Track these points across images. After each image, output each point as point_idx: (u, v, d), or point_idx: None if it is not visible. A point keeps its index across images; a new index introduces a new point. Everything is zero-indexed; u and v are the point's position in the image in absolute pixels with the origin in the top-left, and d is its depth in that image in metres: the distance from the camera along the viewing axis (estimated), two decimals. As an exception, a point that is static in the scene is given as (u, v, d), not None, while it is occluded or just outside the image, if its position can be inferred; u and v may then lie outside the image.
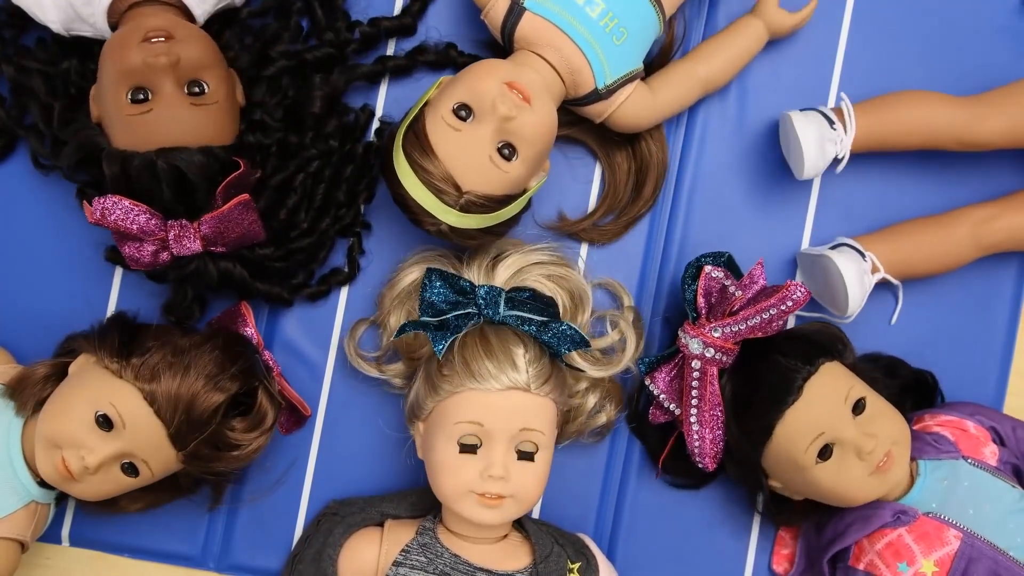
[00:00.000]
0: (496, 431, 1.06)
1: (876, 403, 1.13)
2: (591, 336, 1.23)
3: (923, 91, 1.20)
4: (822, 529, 1.20)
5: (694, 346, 1.13)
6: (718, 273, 1.14)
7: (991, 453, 1.17)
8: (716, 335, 1.12)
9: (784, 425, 1.10)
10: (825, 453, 1.10)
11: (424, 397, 1.10)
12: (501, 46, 1.19)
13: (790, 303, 1.11)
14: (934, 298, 1.28)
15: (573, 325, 1.08)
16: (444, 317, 1.09)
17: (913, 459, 1.17)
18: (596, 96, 1.16)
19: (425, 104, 1.11)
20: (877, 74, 1.28)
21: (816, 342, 1.14)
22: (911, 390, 1.23)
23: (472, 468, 1.06)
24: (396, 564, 1.10)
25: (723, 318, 1.12)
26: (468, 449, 1.07)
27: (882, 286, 1.24)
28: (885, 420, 1.12)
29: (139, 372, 1.06)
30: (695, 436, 1.14)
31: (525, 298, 1.10)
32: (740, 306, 1.13)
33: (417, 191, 1.09)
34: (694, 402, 1.14)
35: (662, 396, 1.17)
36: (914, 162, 1.27)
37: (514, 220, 1.16)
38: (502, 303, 1.09)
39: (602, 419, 1.22)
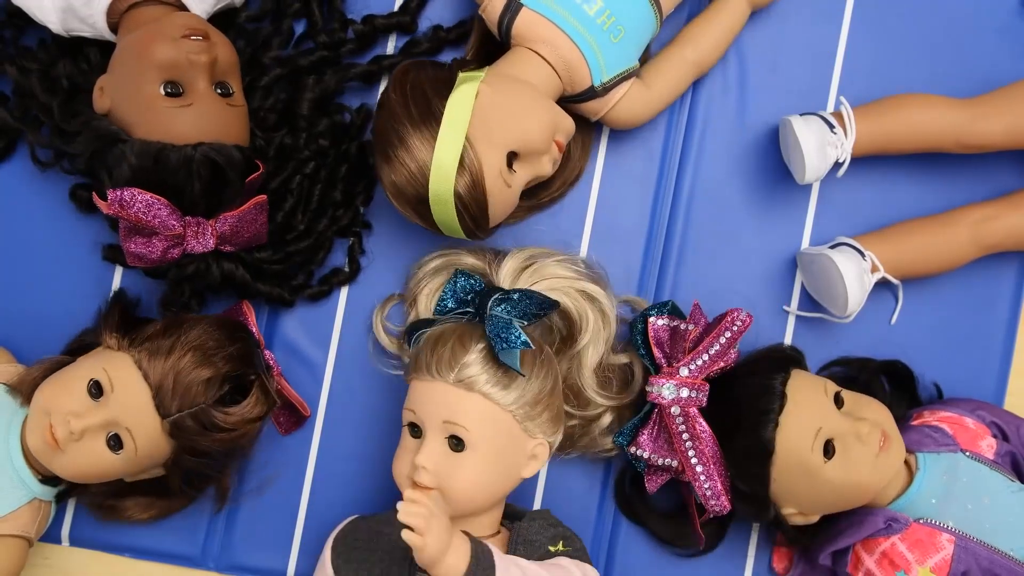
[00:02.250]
0: (425, 420, 1.07)
1: (851, 394, 1.14)
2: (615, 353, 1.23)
3: (922, 94, 1.20)
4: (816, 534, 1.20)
5: (667, 392, 1.13)
6: (663, 321, 1.16)
7: (988, 447, 1.17)
8: (684, 374, 1.12)
9: (783, 432, 1.10)
10: (829, 451, 1.10)
11: None
12: (497, 40, 1.19)
13: (738, 324, 1.13)
14: (934, 298, 1.28)
15: (521, 330, 1.05)
16: (446, 315, 1.12)
17: (912, 452, 1.17)
18: (592, 93, 1.16)
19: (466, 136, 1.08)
20: (877, 74, 1.28)
21: (777, 354, 1.16)
22: (891, 385, 1.23)
23: (411, 456, 1.08)
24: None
25: (685, 355, 1.13)
26: (415, 435, 1.09)
27: (882, 286, 1.25)
28: (866, 404, 1.13)
29: (134, 340, 1.08)
30: (703, 478, 1.13)
31: (516, 298, 1.10)
32: (697, 337, 1.14)
33: (450, 225, 1.10)
34: (688, 444, 1.13)
35: (653, 456, 1.16)
36: (914, 162, 1.27)
37: None
38: (489, 303, 1.10)
39: (608, 444, 1.21)
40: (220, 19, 1.19)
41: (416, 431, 1.08)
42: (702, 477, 1.13)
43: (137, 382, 1.06)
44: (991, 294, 1.28)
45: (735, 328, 1.13)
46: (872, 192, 1.28)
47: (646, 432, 1.16)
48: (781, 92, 1.28)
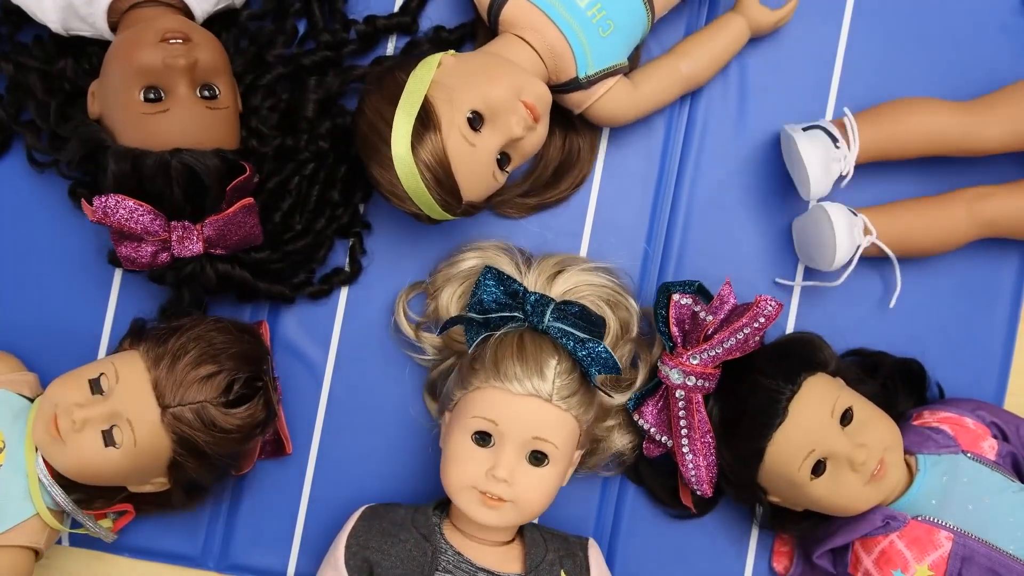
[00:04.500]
0: (509, 433, 1.06)
1: (864, 410, 1.12)
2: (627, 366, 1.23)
3: (923, 99, 1.20)
4: (816, 529, 1.20)
5: (675, 376, 1.13)
6: (686, 300, 1.14)
7: (990, 447, 1.17)
8: (694, 362, 1.12)
9: (774, 446, 1.10)
10: (819, 469, 1.10)
11: (453, 388, 1.12)
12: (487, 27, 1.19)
13: (762, 319, 1.11)
14: (934, 297, 1.28)
15: (610, 349, 1.07)
16: (489, 316, 1.10)
17: (912, 453, 1.16)
18: (576, 85, 1.16)
19: (425, 93, 1.09)
20: (878, 74, 1.28)
21: (795, 356, 1.13)
22: (901, 382, 1.23)
23: (479, 465, 1.07)
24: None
25: (699, 344, 1.12)
26: (481, 444, 1.07)
27: (881, 277, 1.24)
28: (875, 427, 1.12)
29: (145, 338, 1.08)
30: (690, 465, 1.15)
31: (573, 312, 1.10)
32: (714, 329, 1.12)
33: (420, 194, 1.09)
34: (684, 431, 1.14)
35: (652, 429, 1.17)
36: (915, 160, 1.27)
37: None
38: (548, 313, 1.09)
39: (628, 446, 1.22)
40: (223, 19, 1.18)
41: (485, 440, 1.08)
42: (690, 464, 1.15)
43: (140, 372, 1.06)
44: (991, 294, 1.28)
45: (759, 322, 1.10)
46: (872, 190, 1.27)
47: (651, 403, 1.17)
48: (781, 92, 1.28)
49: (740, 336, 1.11)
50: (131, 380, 1.06)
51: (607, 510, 1.26)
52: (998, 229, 1.22)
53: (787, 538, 1.26)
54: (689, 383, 1.12)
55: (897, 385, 1.23)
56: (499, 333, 1.10)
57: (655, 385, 1.17)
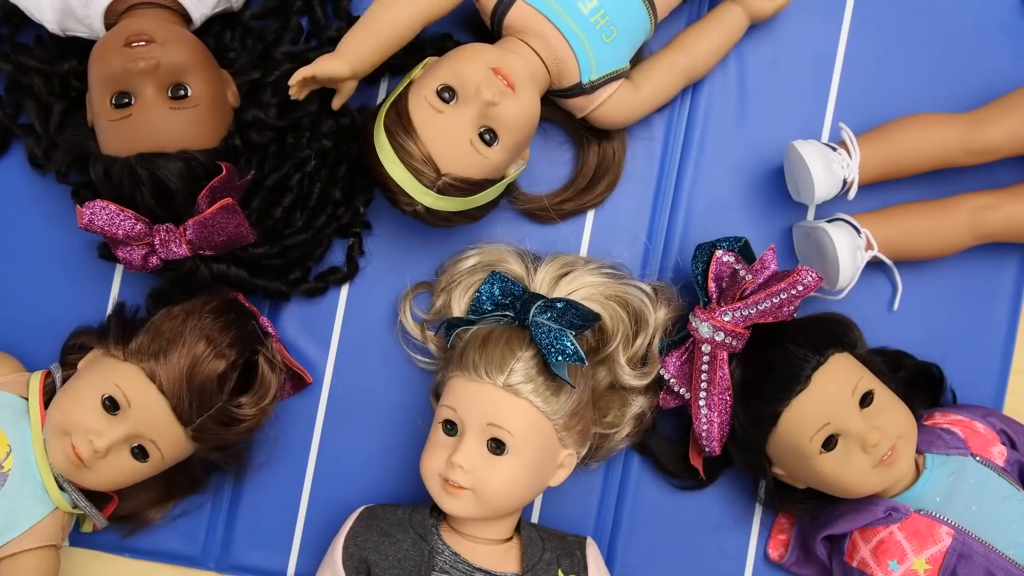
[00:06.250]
0: (467, 420, 1.07)
1: (884, 396, 1.12)
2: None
3: (922, 113, 1.21)
4: (816, 515, 1.21)
5: (704, 330, 1.13)
6: (729, 258, 1.14)
7: (999, 453, 1.17)
8: (726, 319, 1.12)
9: (790, 412, 1.10)
10: (830, 444, 1.10)
11: (439, 381, 1.14)
12: (490, 33, 1.19)
13: (800, 287, 1.10)
14: (934, 297, 1.28)
15: (575, 341, 1.07)
16: (485, 316, 1.13)
17: (921, 452, 1.17)
18: (580, 90, 1.16)
19: (409, 83, 1.12)
20: (878, 74, 1.28)
21: (828, 332, 1.13)
22: (919, 384, 1.23)
23: (445, 452, 1.08)
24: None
25: (733, 302, 1.12)
26: (449, 433, 1.09)
27: (882, 277, 1.25)
28: (892, 413, 1.12)
29: (139, 350, 1.07)
30: (703, 419, 1.15)
31: (559, 307, 1.10)
32: (751, 290, 1.12)
33: (396, 170, 1.09)
34: (703, 385, 1.14)
35: (672, 380, 1.18)
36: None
37: (491, 205, 1.17)
38: (532, 309, 1.10)
39: (642, 409, 1.21)
40: (225, 18, 1.18)
41: (452, 429, 1.09)
42: (703, 419, 1.15)
43: (153, 395, 1.06)
44: (991, 293, 1.28)
45: (797, 289, 1.10)
46: (872, 191, 1.27)
47: (676, 354, 1.18)
48: (781, 92, 1.27)
49: (776, 300, 1.11)
50: (146, 403, 1.06)
51: (607, 509, 1.26)
52: (999, 238, 1.23)
53: (785, 525, 1.26)
54: (717, 339, 1.12)
55: (916, 387, 1.23)
56: (474, 328, 1.12)
57: (683, 337, 1.17)
